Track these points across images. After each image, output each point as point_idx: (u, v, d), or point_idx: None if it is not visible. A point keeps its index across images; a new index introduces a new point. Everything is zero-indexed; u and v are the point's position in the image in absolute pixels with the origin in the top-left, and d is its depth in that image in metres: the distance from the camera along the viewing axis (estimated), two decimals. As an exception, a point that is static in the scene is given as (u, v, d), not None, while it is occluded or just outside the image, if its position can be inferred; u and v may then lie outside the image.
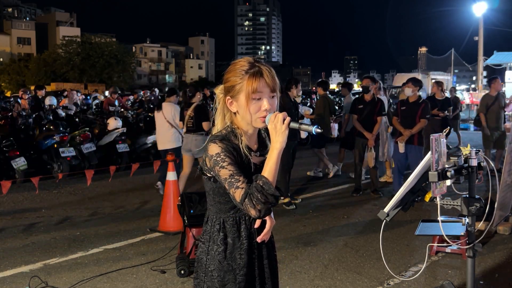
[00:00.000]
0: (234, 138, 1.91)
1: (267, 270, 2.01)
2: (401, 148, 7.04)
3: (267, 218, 1.97)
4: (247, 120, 1.90)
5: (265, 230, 1.95)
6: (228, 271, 1.93)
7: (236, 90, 1.88)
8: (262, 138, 2.05)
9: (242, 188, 1.78)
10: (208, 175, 1.92)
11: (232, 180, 1.80)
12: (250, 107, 1.86)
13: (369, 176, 7.92)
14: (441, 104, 9.56)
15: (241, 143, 1.90)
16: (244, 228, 1.95)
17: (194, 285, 2.04)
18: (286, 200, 6.94)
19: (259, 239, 1.96)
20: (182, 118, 7.15)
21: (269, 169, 1.78)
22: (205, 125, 6.73)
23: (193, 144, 6.79)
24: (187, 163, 7.00)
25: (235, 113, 1.94)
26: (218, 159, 1.83)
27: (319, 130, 1.80)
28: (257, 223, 1.96)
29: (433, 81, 10.53)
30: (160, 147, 7.62)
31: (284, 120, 1.80)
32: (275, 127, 1.80)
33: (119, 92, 17.30)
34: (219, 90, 1.98)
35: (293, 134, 7.14)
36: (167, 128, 7.43)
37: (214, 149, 1.86)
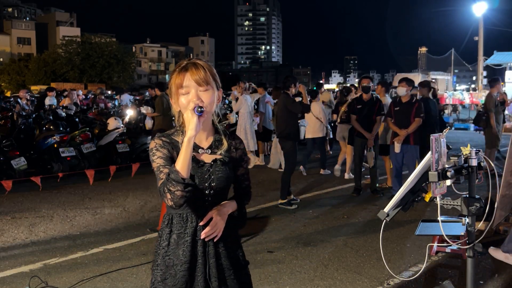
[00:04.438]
0: (178, 136, 1.97)
1: (214, 269, 1.96)
2: (397, 148, 7.04)
3: (214, 215, 1.94)
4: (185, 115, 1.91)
5: (207, 228, 1.92)
6: (169, 266, 1.95)
7: (170, 89, 1.97)
8: (219, 136, 2.04)
9: (161, 179, 1.84)
10: None
11: (158, 172, 1.88)
12: (180, 102, 1.93)
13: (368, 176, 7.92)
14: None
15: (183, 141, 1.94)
16: (190, 225, 1.96)
17: (151, 277, 2.06)
18: (286, 200, 6.95)
19: (202, 235, 1.93)
20: (337, 112, 9.69)
21: (179, 158, 1.80)
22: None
23: (346, 132, 9.01)
24: (343, 148, 9.48)
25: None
26: (151, 153, 1.94)
27: (201, 110, 1.82)
28: (204, 220, 1.94)
29: (427, 80, 10.75)
30: (308, 136, 9.69)
31: (195, 108, 1.82)
32: (187, 115, 1.84)
33: (108, 92, 17.63)
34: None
35: (294, 134, 7.14)
36: (314, 122, 9.46)
37: (150, 145, 1.97)
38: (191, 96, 1.89)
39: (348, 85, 12.62)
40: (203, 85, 1.90)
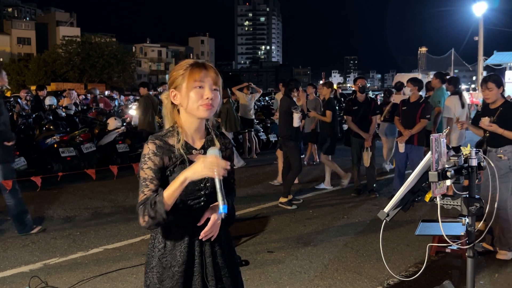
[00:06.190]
0: (172, 137, 1.95)
1: (211, 268, 1.98)
2: (401, 148, 7.03)
3: (211, 214, 1.96)
4: (190, 109, 1.91)
5: (206, 228, 1.94)
6: (167, 268, 1.96)
7: (179, 80, 1.94)
8: (211, 137, 2.05)
9: (145, 195, 1.86)
10: None
11: (143, 184, 1.89)
12: (192, 94, 1.91)
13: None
14: None
15: (178, 142, 1.93)
16: (186, 226, 1.96)
17: (144, 280, 2.07)
18: (287, 199, 6.95)
19: (201, 234, 1.94)
20: (381, 111, 9.57)
21: (171, 190, 1.82)
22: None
23: (388, 130, 9.54)
24: (385, 144, 9.81)
25: (178, 110, 1.98)
26: (142, 160, 1.92)
27: (226, 214, 1.86)
28: (201, 220, 1.95)
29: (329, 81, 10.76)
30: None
31: (223, 207, 1.80)
32: (204, 160, 1.80)
33: (110, 93, 17.75)
34: (164, 96, 2.02)
35: (295, 135, 7.14)
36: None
37: (144, 149, 1.94)
38: (207, 92, 1.91)
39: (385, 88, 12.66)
40: (216, 85, 1.94)
